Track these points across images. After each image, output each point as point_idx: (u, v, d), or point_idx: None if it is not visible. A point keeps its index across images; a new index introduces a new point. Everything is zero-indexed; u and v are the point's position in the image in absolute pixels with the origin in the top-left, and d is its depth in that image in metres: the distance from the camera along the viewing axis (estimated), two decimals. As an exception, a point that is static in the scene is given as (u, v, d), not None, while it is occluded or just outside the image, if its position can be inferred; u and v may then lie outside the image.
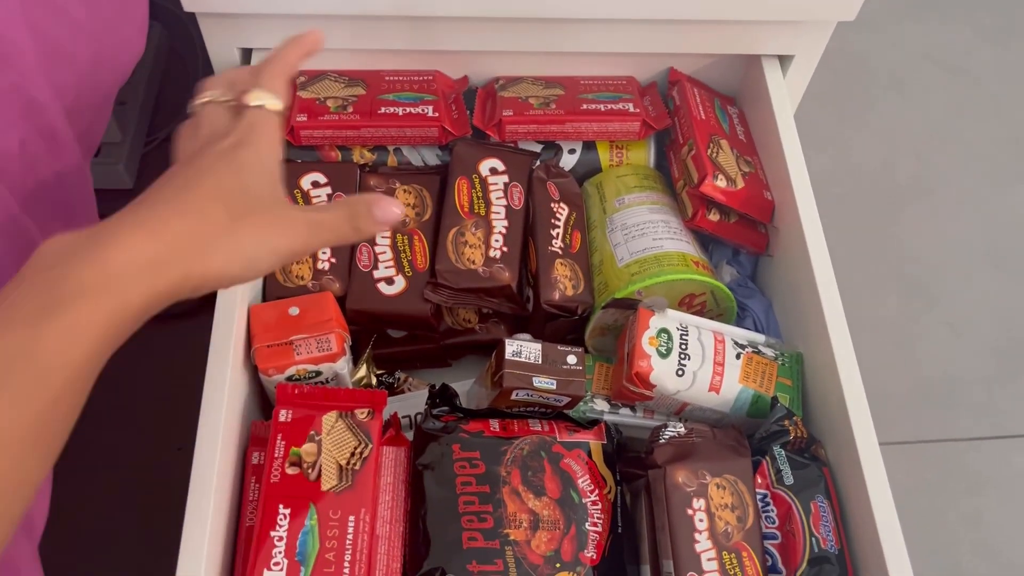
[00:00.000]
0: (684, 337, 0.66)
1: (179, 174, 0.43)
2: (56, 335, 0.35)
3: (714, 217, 0.73)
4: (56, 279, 0.36)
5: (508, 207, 0.72)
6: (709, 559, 0.59)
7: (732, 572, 0.59)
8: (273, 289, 0.69)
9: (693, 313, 0.71)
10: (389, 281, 0.70)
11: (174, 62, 1.12)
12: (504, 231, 0.71)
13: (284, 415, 0.60)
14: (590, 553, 0.60)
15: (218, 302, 0.63)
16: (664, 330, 0.66)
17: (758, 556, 0.59)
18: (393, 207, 0.45)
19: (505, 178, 0.73)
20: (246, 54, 0.76)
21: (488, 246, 0.70)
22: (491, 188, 0.72)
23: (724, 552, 0.59)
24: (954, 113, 1.20)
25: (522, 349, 0.64)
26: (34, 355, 0.34)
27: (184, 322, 0.93)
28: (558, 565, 0.59)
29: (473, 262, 0.69)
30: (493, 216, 0.71)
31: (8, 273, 0.41)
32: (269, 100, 0.46)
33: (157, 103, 1.09)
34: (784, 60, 0.78)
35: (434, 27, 0.74)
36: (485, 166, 0.73)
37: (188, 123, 0.47)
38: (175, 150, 0.46)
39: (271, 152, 0.45)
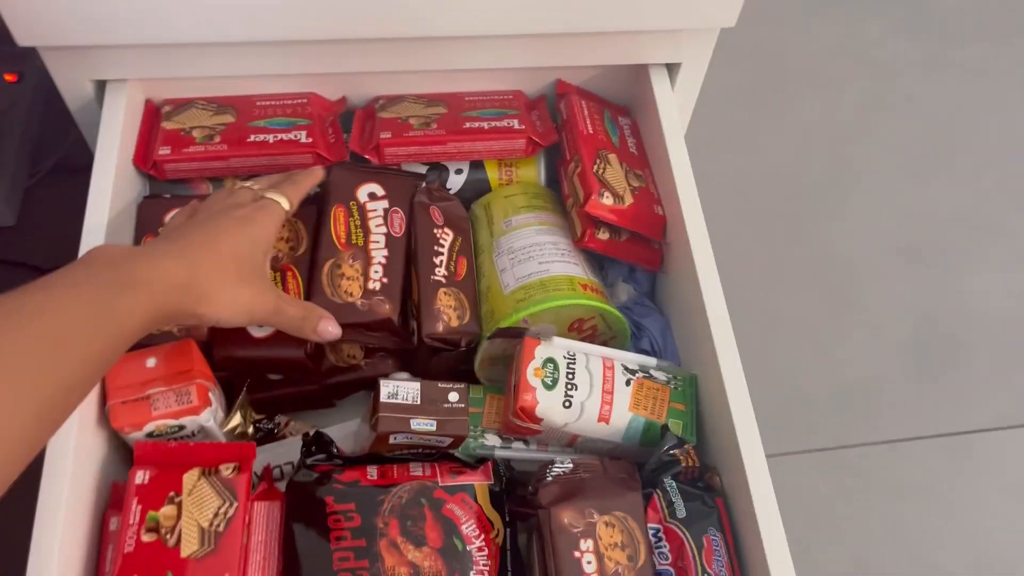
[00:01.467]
0: (571, 366, 0.63)
1: (205, 224, 0.57)
2: (126, 305, 0.48)
3: (604, 236, 0.70)
4: (124, 269, 0.49)
5: (388, 234, 0.68)
6: (599, 602, 0.56)
7: (623, 615, 0.56)
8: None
9: (584, 338, 0.68)
10: (258, 326, 0.66)
11: (55, 95, 1.06)
12: (384, 260, 0.67)
13: (141, 476, 0.56)
14: (475, 602, 0.57)
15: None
16: (550, 360, 0.63)
17: (651, 595, 0.57)
18: (331, 328, 0.61)
19: (385, 203, 0.69)
20: (100, 86, 0.71)
21: (367, 277, 0.66)
22: (370, 215, 0.69)
23: (615, 594, 0.56)
24: (869, 107, 1.19)
25: (399, 390, 0.61)
26: (114, 315, 0.47)
27: None
28: (441, 618, 0.56)
29: (351, 295, 0.65)
30: (372, 245, 0.67)
31: None
32: (280, 199, 0.62)
33: (40, 135, 1.04)
34: (672, 68, 0.76)
35: (308, 50, 0.71)
36: (363, 191, 0.70)
37: (225, 190, 0.63)
38: (209, 201, 0.61)
39: (269, 235, 0.60)
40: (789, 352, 0.98)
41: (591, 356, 0.64)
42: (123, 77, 0.70)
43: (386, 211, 0.69)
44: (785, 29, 1.24)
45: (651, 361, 0.67)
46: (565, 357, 0.63)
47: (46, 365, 0.43)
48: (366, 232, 0.68)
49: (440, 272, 0.68)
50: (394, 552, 0.57)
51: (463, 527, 0.59)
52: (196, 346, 0.62)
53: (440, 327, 0.66)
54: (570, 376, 0.63)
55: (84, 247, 0.63)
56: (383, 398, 0.60)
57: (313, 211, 0.71)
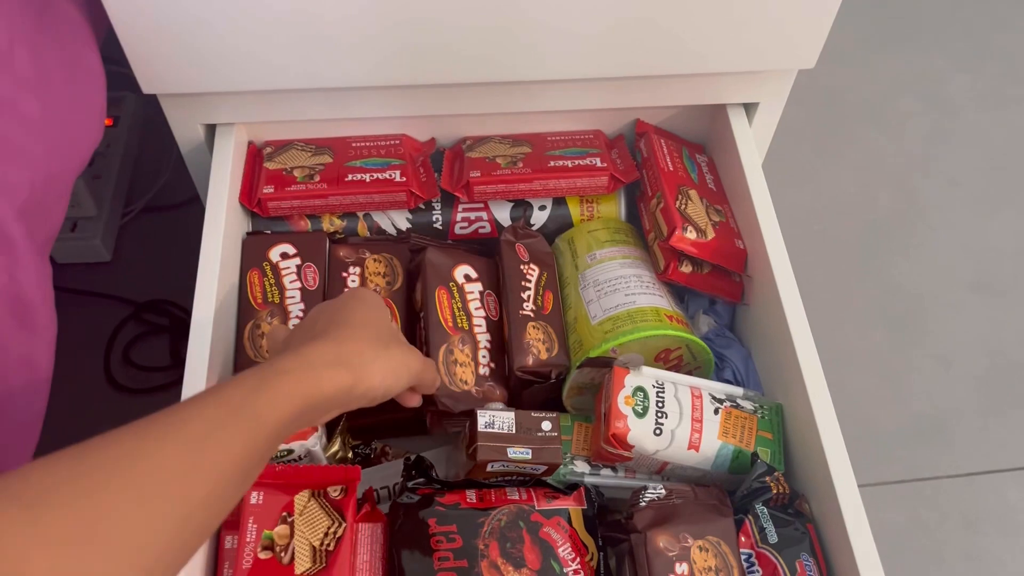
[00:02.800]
0: (660, 395, 0.65)
1: (326, 313, 0.55)
2: (267, 399, 0.45)
3: (686, 269, 0.72)
4: (267, 367, 0.47)
5: (487, 318, 0.71)
6: (695, 625, 0.57)
7: (719, 638, 0.57)
8: (244, 365, 0.68)
9: (670, 368, 0.70)
10: (361, 351, 0.69)
11: (149, 133, 1.13)
12: (488, 345, 0.70)
13: (255, 497, 0.59)
14: (573, 626, 0.59)
15: (185, 382, 0.62)
16: (640, 388, 0.65)
17: (745, 619, 0.58)
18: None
19: (480, 285, 0.73)
20: (210, 130, 0.76)
21: (477, 363, 0.69)
22: (469, 298, 0.72)
23: (710, 617, 0.58)
24: (933, 142, 1.20)
25: (495, 419, 0.64)
26: (253, 410, 0.44)
27: (153, 397, 0.94)
28: (542, 640, 0.58)
29: (466, 382, 0.68)
30: (476, 329, 0.70)
31: None
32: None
33: (133, 175, 1.10)
34: (749, 107, 0.78)
35: (402, 94, 0.75)
36: (460, 273, 0.73)
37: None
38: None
39: (383, 304, 0.58)
40: (860, 384, 0.98)
41: (679, 385, 0.67)
42: (231, 121, 0.75)
43: (481, 293, 0.72)
44: (848, 65, 1.27)
45: (737, 390, 0.68)
46: (654, 386, 0.66)
47: (180, 478, 0.39)
48: (468, 316, 0.71)
49: (528, 307, 0.71)
50: (494, 573, 0.59)
51: (560, 550, 0.61)
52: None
53: (530, 360, 0.69)
54: (660, 404, 0.65)
55: (200, 278, 0.66)
56: (481, 427, 0.63)
57: (404, 249, 0.74)
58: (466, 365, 0.69)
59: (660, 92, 0.77)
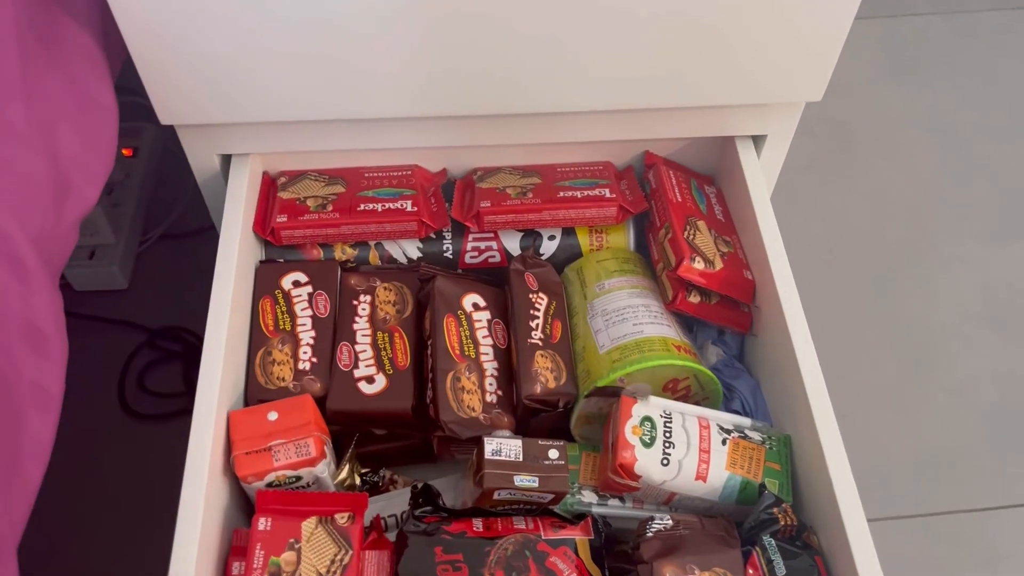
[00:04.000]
0: (668, 425, 0.65)
1: None
2: None
3: (695, 299, 0.73)
4: None
5: (495, 346, 0.72)
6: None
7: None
8: (255, 391, 0.69)
9: (678, 398, 0.70)
10: (370, 380, 0.70)
11: (167, 162, 1.15)
12: (496, 373, 0.71)
13: (263, 524, 0.60)
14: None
15: (196, 408, 0.63)
16: (647, 418, 0.65)
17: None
18: None
19: (488, 314, 0.73)
20: (225, 159, 0.77)
21: (484, 391, 0.70)
22: (476, 326, 0.72)
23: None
24: (941, 174, 1.20)
25: (502, 447, 0.64)
26: None
27: (167, 423, 0.94)
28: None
29: (473, 409, 0.69)
30: (483, 357, 0.71)
31: None
32: None
33: (151, 203, 1.11)
34: (757, 139, 0.79)
35: (414, 126, 0.76)
36: (468, 302, 0.74)
37: None
38: None
39: None
40: (871, 417, 0.98)
41: (687, 415, 0.67)
42: (247, 151, 0.76)
43: (489, 322, 0.73)
44: (857, 98, 1.27)
45: (745, 421, 0.68)
46: (662, 416, 0.66)
47: None
48: (475, 344, 0.72)
49: (536, 335, 0.72)
50: (501, 603, 0.59)
51: (566, 581, 0.60)
52: (313, 401, 0.66)
53: (538, 388, 0.69)
54: (667, 435, 0.65)
55: (213, 306, 0.67)
56: (487, 455, 0.63)
57: (415, 278, 0.75)
58: (473, 392, 0.69)
59: (669, 124, 0.78)
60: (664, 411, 0.66)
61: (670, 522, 0.62)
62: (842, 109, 1.25)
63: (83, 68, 0.67)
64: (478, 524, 0.63)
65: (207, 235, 1.07)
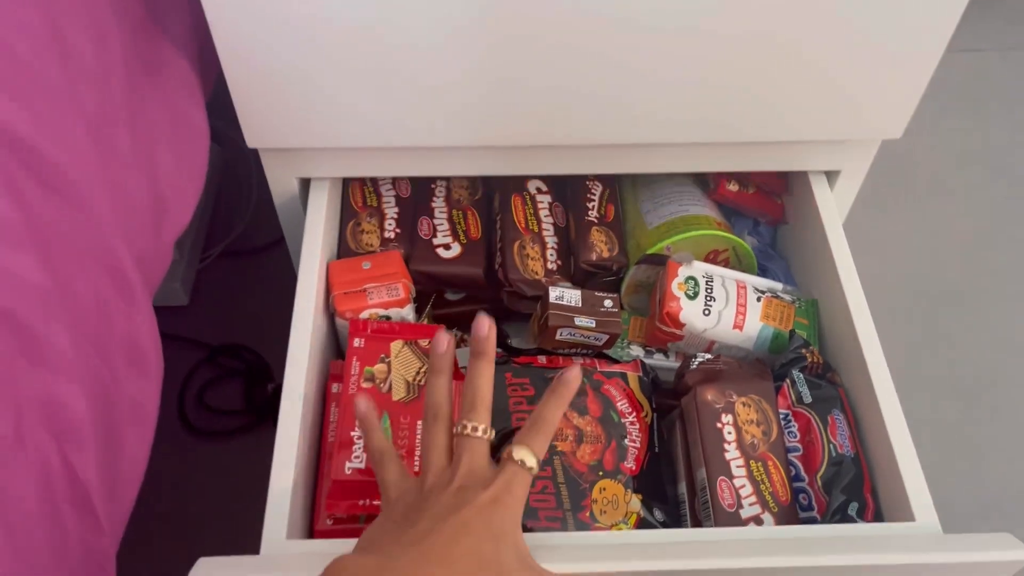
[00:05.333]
0: (709, 283, 0.74)
1: (441, 518, 0.46)
2: None
3: (733, 188, 0.82)
4: None
5: (555, 224, 0.81)
6: (738, 466, 0.65)
7: (759, 478, 0.65)
8: (346, 254, 0.79)
9: (717, 269, 0.79)
10: (447, 247, 0.79)
11: (228, 177, 1.15)
12: (556, 247, 0.80)
13: (358, 342, 0.69)
14: (629, 464, 0.67)
15: (302, 261, 0.73)
16: (691, 277, 0.74)
17: (783, 465, 0.66)
18: None
19: (549, 197, 0.83)
20: (304, 183, 0.79)
21: (545, 260, 0.79)
22: (539, 206, 0.82)
23: (752, 461, 0.65)
24: (1001, 212, 1.18)
25: (564, 294, 0.73)
26: None
27: (227, 442, 0.95)
28: (600, 473, 0.66)
29: (536, 273, 0.78)
30: (544, 233, 0.80)
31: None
32: (530, 459, 0.49)
33: (212, 218, 1.11)
34: (831, 174, 0.78)
35: (488, 154, 0.75)
36: (532, 185, 0.83)
37: (442, 439, 0.51)
38: (426, 449, 0.51)
39: (518, 517, 0.48)
40: (931, 458, 0.86)
41: (726, 278, 0.76)
42: (325, 176, 0.78)
43: (550, 204, 0.82)
44: (916, 133, 1.14)
45: (777, 285, 0.77)
46: (704, 276, 0.75)
47: None
48: (539, 221, 0.81)
49: (592, 214, 0.81)
50: (562, 418, 0.68)
51: (618, 404, 0.69)
52: (400, 257, 0.76)
53: (594, 256, 0.79)
54: (709, 290, 0.74)
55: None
56: (552, 299, 0.73)
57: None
58: (536, 260, 0.79)
59: (742, 158, 0.76)
60: (706, 273, 0.75)
61: (711, 356, 0.71)
62: (901, 144, 1.07)
63: (180, 92, 0.68)
64: (542, 359, 0.72)
65: (268, 252, 1.07)
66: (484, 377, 0.52)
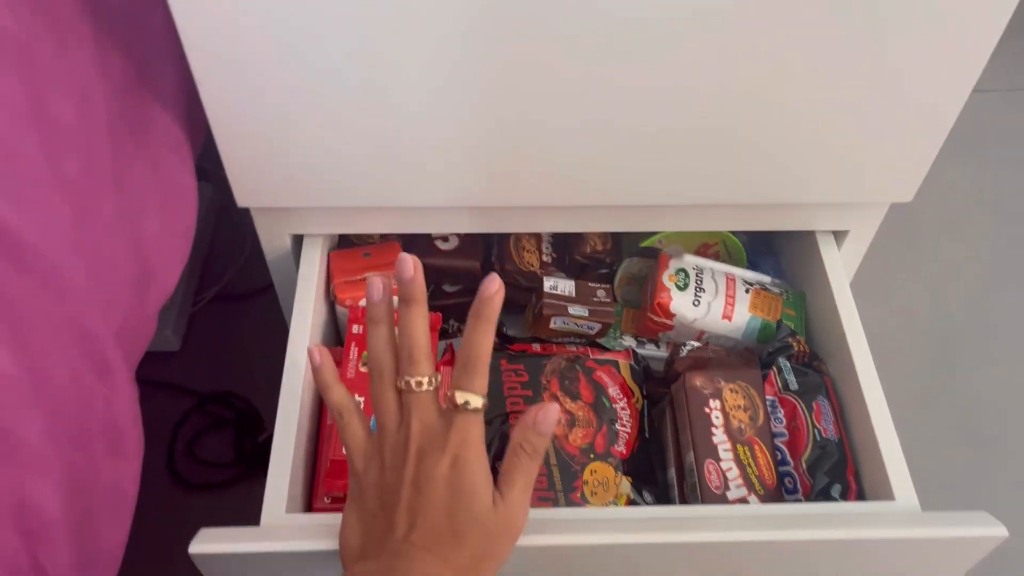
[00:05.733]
0: (700, 275, 0.77)
1: (414, 508, 0.47)
2: None
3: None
4: None
5: None
6: (725, 450, 0.67)
7: (746, 461, 0.67)
8: (346, 244, 0.81)
9: (708, 263, 0.82)
10: (445, 239, 0.82)
11: (223, 221, 1.12)
12: (551, 240, 0.83)
13: (356, 328, 0.71)
14: (620, 448, 0.69)
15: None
16: (682, 270, 0.77)
17: (769, 449, 0.68)
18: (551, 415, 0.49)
19: None
20: (297, 240, 0.77)
21: (541, 252, 0.82)
22: None
23: (739, 445, 0.67)
24: (1008, 256, 1.16)
25: (558, 284, 0.75)
26: None
27: (217, 495, 0.92)
28: (591, 455, 0.68)
29: (531, 265, 0.81)
30: None
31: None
32: (475, 400, 0.48)
33: (206, 262, 1.09)
34: (839, 233, 0.77)
35: (476, 213, 0.74)
36: None
37: (390, 397, 0.50)
38: (377, 411, 0.50)
39: (481, 461, 0.48)
40: (938, 505, 0.89)
41: (716, 270, 0.78)
42: (318, 232, 0.76)
43: None
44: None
45: (766, 278, 0.79)
46: (694, 268, 0.77)
47: None
48: None
49: (588, 210, 0.83)
50: (555, 402, 0.70)
51: (610, 390, 0.71)
52: (400, 246, 0.78)
53: (588, 248, 0.81)
54: (699, 282, 0.76)
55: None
56: (546, 289, 0.75)
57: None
58: (532, 252, 0.81)
59: (749, 218, 0.74)
60: (696, 265, 0.77)
61: (699, 344, 0.73)
62: None
63: (167, 153, 0.66)
64: (536, 347, 0.74)
65: (262, 296, 1.05)
66: (417, 326, 0.50)
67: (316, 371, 0.52)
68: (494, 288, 0.48)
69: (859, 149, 0.65)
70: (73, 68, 0.56)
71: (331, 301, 0.76)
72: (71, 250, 0.53)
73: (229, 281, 1.07)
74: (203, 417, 0.97)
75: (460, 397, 0.48)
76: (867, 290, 1.01)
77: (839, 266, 0.75)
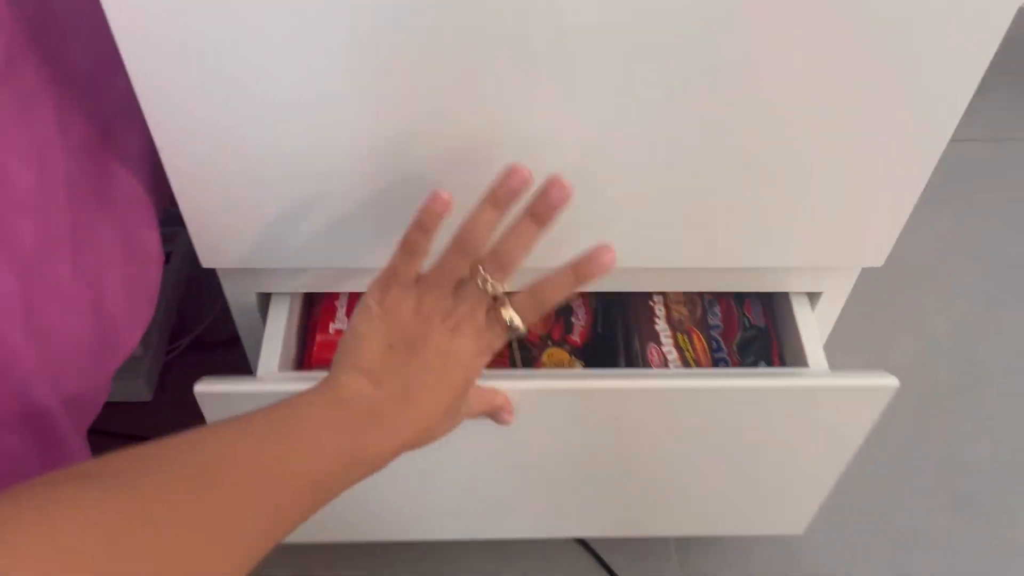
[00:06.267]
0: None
1: (434, 369, 0.50)
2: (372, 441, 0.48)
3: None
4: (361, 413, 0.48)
5: None
6: (666, 336, 0.77)
7: (684, 347, 0.77)
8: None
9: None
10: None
11: (198, 269, 1.05)
12: None
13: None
14: (575, 337, 0.79)
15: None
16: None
17: (705, 338, 0.77)
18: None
19: None
20: (264, 298, 0.76)
21: None
22: None
23: (678, 333, 0.77)
24: (992, 306, 1.13)
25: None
26: (363, 452, 0.47)
27: None
28: (549, 343, 0.79)
29: None
30: None
31: None
32: (519, 326, 0.51)
33: (181, 309, 1.06)
34: (813, 295, 0.77)
35: None
36: None
37: (461, 270, 0.51)
38: (440, 267, 0.52)
39: (479, 370, 0.52)
40: (922, 568, 0.89)
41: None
42: (285, 291, 0.75)
43: None
44: (902, 229, 0.96)
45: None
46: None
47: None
48: None
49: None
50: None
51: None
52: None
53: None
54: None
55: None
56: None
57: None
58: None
59: (721, 280, 0.74)
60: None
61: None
62: None
63: (131, 213, 0.64)
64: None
65: (237, 346, 1.02)
66: (529, 241, 0.51)
67: (428, 210, 0.51)
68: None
69: (828, 215, 0.65)
70: (34, 132, 0.54)
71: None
72: (20, 322, 0.51)
73: (205, 330, 1.05)
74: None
75: (507, 315, 0.51)
76: (847, 344, 0.99)
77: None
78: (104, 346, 0.60)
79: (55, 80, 0.57)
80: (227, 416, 0.45)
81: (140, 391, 0.98)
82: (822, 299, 0.76)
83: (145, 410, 0.98)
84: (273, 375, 0.69)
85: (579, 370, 0.76)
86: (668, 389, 0.65)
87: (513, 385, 0.62)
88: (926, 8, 0.51)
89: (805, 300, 0.76)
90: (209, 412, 0.64)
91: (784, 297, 0.76)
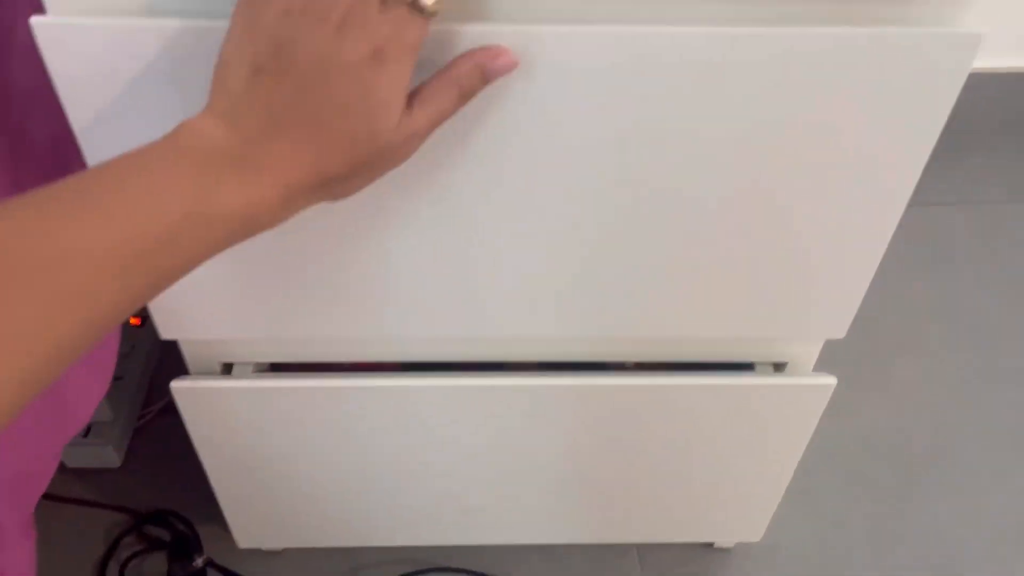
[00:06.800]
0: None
1: (312, 82, 0.37)
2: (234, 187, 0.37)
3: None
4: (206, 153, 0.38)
5: None
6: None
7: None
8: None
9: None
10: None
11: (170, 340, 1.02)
12: None
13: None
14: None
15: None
16: None
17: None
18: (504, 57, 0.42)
19: None
20: (227, 367, 0.74)
21: None
22: None
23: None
24: (969, 375, 1.10)
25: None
26: (210, 206, 0.36)
27: None
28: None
29: None
30: None
31: None
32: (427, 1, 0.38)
33: (153, 376, 1.03)
34: (779, 365, 0.76)
35: (413, 341, 0.71)
36: None
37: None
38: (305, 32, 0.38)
39: (406, 74, 0.38)
40: None
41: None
42: (248, 361, 0.73)
43: None
44: (877, 290, 0.96)
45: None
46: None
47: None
48: None
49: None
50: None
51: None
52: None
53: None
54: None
55: None
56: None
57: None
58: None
59: (682, 351, 0.75)
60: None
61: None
62: (865, 305, 0.89)
63: None
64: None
65: None
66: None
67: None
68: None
69: (786, 289, 0.65)
70: None
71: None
72: None
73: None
74: (138, 540, 0.92)
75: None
76: (827, 406, 0.94)
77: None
78: (55, 421, 0.58)
79: (13, 151, 0.54)
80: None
81: (109, 457, 0.95)
82: (787, 368, 0.75)
83: (114, 476, 0.96)
84: (248, 373, 0.68)
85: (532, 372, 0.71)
86: (612, 387, 0.67)
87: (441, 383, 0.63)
88: (870, 86, 0.50)
89: (770, 371, 0.76)
90: (186, 409, 0.67)
91: (749, 368, 0.76)
